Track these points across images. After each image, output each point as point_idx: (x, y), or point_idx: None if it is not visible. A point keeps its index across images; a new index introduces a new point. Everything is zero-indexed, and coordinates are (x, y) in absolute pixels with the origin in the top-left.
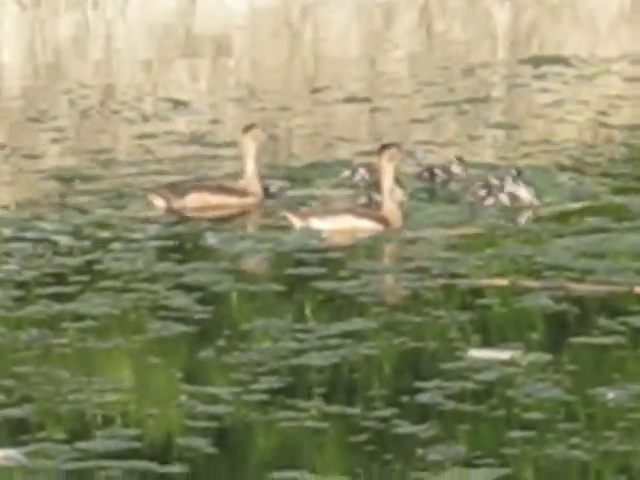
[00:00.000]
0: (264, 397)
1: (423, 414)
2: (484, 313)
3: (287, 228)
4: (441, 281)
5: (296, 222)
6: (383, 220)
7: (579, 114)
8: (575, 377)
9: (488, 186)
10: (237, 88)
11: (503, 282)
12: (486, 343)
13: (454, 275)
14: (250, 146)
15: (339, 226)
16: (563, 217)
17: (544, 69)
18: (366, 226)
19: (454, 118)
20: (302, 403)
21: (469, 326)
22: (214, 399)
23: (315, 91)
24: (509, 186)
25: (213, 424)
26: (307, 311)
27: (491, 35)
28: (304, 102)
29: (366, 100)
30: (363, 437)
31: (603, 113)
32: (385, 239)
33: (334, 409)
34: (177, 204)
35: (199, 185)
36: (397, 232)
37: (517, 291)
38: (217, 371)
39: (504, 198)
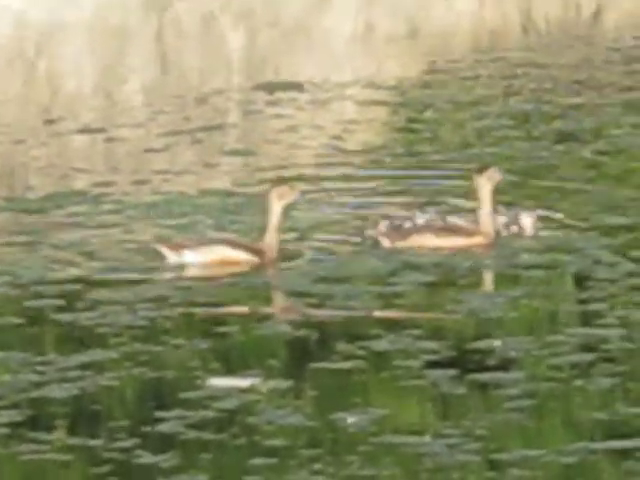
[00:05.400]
0: (5, 430)
1: (165, 444)
2: (224, 341)
3: (26, 260)
4: (180, 310)
5: (169, 255)
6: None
7: (314, 139)
8: (316, 402)
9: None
10: None
11: (242, 309)
12: (226, 371)
13: (193, 304)
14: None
15: (211, 258)
16: (300, 243)
17: (278, 95)
18: (239, 257)
19: (189, 146)
20: (44, 436)
21: (209, 354)
22: None
23: (50, 123)
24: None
25: None
26: (46, 343)
27: (226, 61)
28: (39, 134)
29: (101, 130)
30: (106, 468)
31: (338, 137)
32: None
33: (76, 441)
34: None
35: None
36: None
37: (256, 318)
38: None
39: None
